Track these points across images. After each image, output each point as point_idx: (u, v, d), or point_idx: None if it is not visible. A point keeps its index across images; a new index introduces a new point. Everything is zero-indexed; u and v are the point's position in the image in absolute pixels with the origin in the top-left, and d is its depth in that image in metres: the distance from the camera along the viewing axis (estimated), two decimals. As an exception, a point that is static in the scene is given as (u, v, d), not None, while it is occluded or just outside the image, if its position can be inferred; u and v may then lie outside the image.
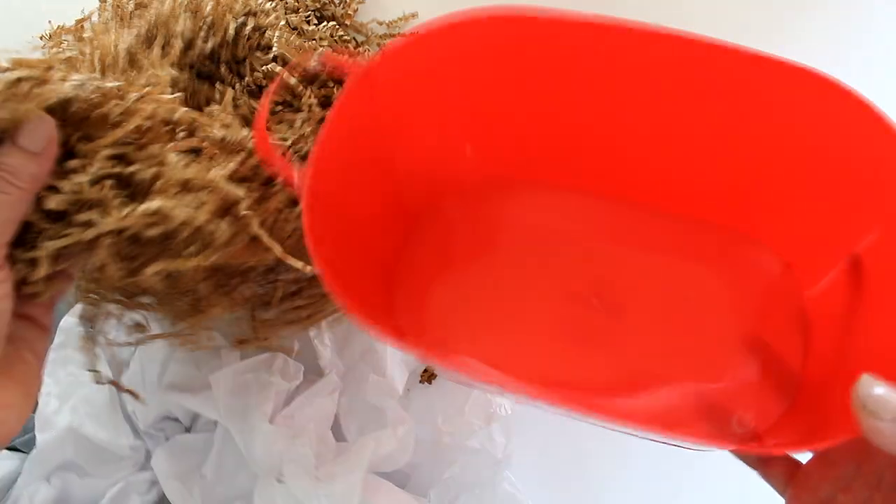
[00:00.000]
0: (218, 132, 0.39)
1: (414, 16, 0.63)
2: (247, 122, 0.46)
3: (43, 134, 0.31)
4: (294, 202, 0.43)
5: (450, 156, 0.50)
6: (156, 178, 0.34)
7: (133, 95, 0.35)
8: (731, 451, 0.36)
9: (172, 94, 0.39)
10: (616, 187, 0.50)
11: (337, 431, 0.53)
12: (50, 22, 0.67)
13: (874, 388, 0.27)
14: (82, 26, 0.66)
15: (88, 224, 0.32)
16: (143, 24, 0.45)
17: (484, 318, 0.50)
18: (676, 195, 0.49)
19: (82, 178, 0.32)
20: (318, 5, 0.59)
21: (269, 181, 0.42)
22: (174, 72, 0.43)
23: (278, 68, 0.46)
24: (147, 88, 0.36)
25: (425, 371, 0.57)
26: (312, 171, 0.36)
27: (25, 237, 0.32)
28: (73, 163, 0.32)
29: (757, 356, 0.46)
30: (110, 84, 0.34)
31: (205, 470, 0.51)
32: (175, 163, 0.34)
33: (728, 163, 0.46)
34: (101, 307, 0.44)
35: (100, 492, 0.50)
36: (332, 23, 0.56)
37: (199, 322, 0.46)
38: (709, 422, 0.44)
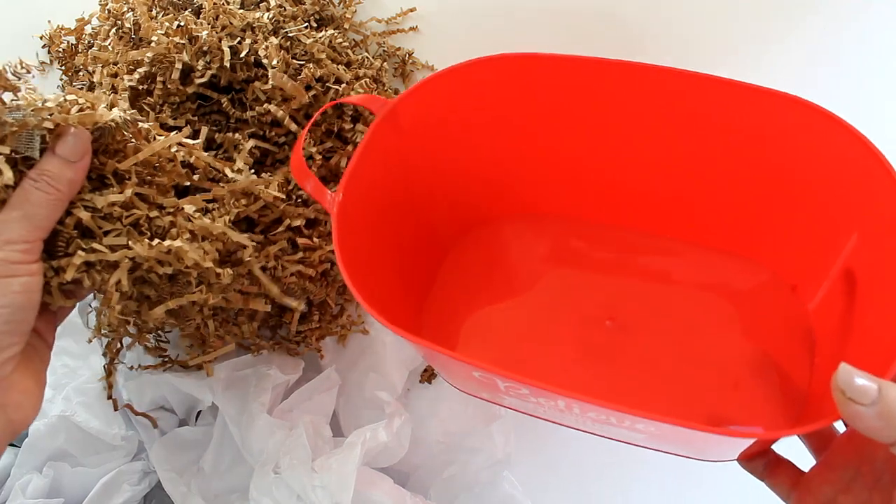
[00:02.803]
0: (230, 175, 0.43)
1: (413, 10, 0.64)
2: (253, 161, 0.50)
3: (79, 145, 0.35)
4: (294, 245, 0.48)
5: (471, 187, 0.53)
6: (171, 226, 0.39)
7: (161, 139, 0.39)
8: (737, 460, 0.39)
9: (194, 139, 0.44)
10: (629, 217, 0.53)
11: (336, 429, 0.53)
12: (49, 22, 0.68)
13: (853, 377, 0.29)
14: (83, 29, 0.66)
15: (114, 248, 0.37)
16: (144, 62, 0.49)
17: (501, 335, 0.52)
18: (686, 224, 0.52)
19: (118, 198, 0.36)
20: (317, 8, 0.59)
21: (272, 225, 0.47)
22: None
23: (280, 112, 0.49)
24: (173, 133, 0.40)
25: (425, 371, 0.56)
26: (343, 196, 0.40)
27: (55, 247, 0.36)
28: (111, 189, 0.37)
29: (766, 375, 0.47)
30: (145, 125, 0.39)
31: (202, 463, 0.51)
32: (190, 214, 0.39)
33: (728, 191, 0.48)
34: (122, 339, 0.49)
35: (91, 481, 0.50)
36: (331, 31, 0.56)
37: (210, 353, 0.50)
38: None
